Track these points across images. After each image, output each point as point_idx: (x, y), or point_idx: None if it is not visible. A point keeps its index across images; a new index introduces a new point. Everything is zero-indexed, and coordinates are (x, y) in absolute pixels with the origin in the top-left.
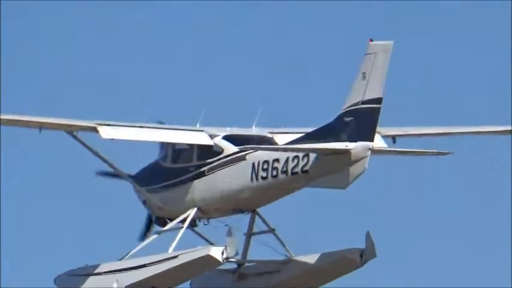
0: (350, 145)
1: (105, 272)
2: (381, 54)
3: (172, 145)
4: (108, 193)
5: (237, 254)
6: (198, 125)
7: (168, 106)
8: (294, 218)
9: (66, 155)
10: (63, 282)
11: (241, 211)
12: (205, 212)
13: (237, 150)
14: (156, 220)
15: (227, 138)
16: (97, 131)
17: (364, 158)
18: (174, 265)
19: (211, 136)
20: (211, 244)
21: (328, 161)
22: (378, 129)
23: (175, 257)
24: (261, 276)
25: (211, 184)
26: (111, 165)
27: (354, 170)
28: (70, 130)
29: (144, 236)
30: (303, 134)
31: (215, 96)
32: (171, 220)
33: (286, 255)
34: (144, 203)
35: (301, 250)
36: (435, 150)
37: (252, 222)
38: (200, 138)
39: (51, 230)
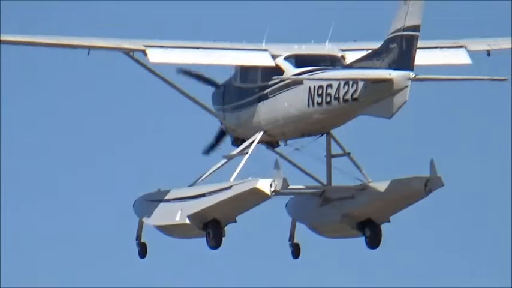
0: (393, 74)
1: (173, 199)
2: None
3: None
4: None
5: (287, 185)
6: (263, 43)
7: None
8: (369, 142)
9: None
10: (138, 206)
11: (309, 135)
12: (273, 136)
13: (298, 72)
14: (233, 141)
15: (289, 58)
16: (145, 54)
17: (405, 87)
18: (227, 197)
19: (274, 56)
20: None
21: (374, 88)
22: (465, 42)
23: (230, 187)
24: (340, 201)
25: (273, 107)
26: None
27: (397, 99)
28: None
29: (210, 149)
30: (363, 55)
31: (288, 9)
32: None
33: (361, 180)
34: (223, 121)
35: (376, 175)
36: (489, 77)
37: (328, 144)
38: (261, 58)
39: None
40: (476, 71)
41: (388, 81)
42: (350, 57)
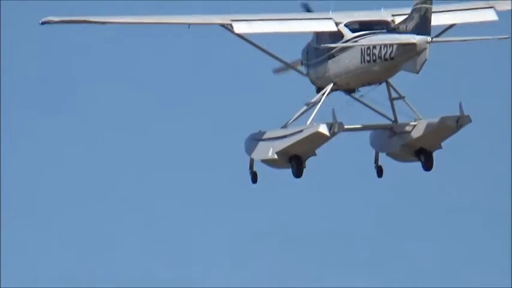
0: (416, 38)
1: (268, 139)
2: None
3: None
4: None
5: (342, 127)
6: (330, 12)
7: None
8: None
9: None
10: (247, 144)
11: (370, 84)
12: (341, 86)
13: (353, 36)
14: (317, 90)
15: (348, 25)
16: (232, 27)
17: (425, 49)
18: (300, 138)
19: (337, 23)
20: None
21: (404, 50)
22: (494, 4)
23: (302, 131)
24: (401, 134)
25: (338, 64)
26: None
27: (420, 58)
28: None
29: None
30: (401, 20)
31: None
32: None
33: (415, 118)
34: (307, 75)
35: (426, 113)
36: (492, 37)
37: (388, 90)
38: (326, 25)
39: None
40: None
41: (413, 44)
42: (399, 20)
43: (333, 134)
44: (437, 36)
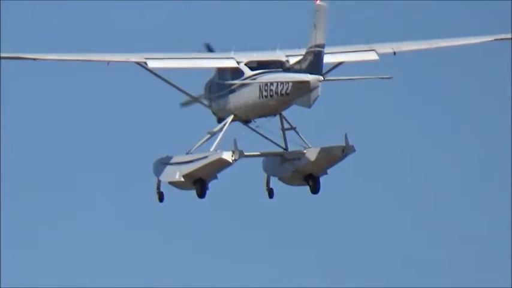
0: (309, 77)
1: (175, 163)
2: (322, 12)
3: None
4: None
5: (243, 155)
6: (232, 52)
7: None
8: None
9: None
10: (155, 167)
11: (265, 116)
12: (240, 117)
13: (252, 73)
14: (218, 121)
15: (247, 63)
16: (146, 63)
17: (317, 86)
18: (204, 163)
19: (238, 62)
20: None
21: (298, 87)
22: (375, 47)
23: (206, 157)
24: (292, 161)
25: (238, 98)
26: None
27: (313, 95)
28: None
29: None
30: (296, 60)
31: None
32: None
33: (303, 147)
34: (209, 107)
35: (315, 143)
36: (376, 76)
37: (281, 121)
38: (229, 63)
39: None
40: (385, 67)
41: (307, 82)
42: (292, 60)
43: (234, 160)
44: (327, 72)
